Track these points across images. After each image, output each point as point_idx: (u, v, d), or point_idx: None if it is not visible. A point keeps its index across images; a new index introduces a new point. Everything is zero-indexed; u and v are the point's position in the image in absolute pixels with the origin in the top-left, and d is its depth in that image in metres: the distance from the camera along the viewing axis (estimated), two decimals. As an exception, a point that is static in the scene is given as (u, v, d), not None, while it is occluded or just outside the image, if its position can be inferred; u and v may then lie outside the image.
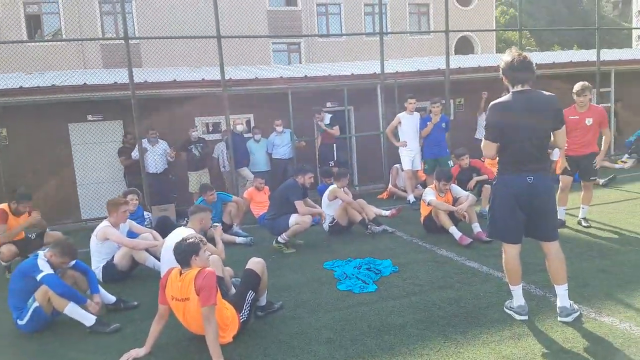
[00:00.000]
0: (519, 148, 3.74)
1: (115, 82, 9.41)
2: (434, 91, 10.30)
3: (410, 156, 9.09)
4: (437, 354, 3.48)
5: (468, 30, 25.67)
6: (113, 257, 5.60)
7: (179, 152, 9.72)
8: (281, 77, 10.65)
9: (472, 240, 6.00)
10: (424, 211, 6.74)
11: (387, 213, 7.94)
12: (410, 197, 9.05)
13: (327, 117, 10.07)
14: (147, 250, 5.64)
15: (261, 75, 10.82)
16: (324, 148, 10.38)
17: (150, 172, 9.35)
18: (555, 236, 3.90)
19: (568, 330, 3.66)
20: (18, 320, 4.31)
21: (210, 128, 11.16)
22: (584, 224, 6.49)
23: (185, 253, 3.76)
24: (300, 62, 23.77)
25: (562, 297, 3.88)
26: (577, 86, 6.23)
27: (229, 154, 9.77)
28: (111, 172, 10.05)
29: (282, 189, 6.58)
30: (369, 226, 6.95)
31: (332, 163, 9.96)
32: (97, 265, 5.54)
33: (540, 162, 3.81)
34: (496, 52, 27.22)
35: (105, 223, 5.65)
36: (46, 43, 17.04)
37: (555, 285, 3.91)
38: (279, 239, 6.37)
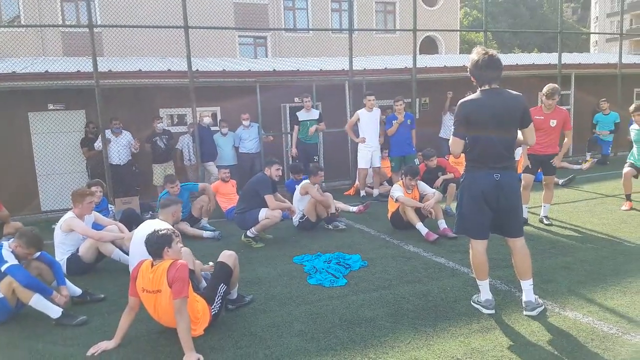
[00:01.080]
0: (486, 145, 3.84)
1: (78, 71, 9.14)
2: (401, 90, 10.47)
3: (368, 153, 9.14)
4: (407, 346, 3.56)
5: (435, 30, 26.17)
6: (78, 249, 5.45)
7: (143, 144, 9.52)
8: (249, 70, 10.58)
9: (438, 236, 6.15)
10: (391, 207, 6.85)
11: (355, 209, 8.05)
12: (375, 192, 9.21)
13: (316, 113, 9.96)
14: (113, 242, 5.52)
15: (229, 67, 10.72)
16: (304, 145, 9.98)
17: (114, 163, 9.15)
18: (521, 232, 4.04)
19: (534, 324, 3.81)
20: None
21: (175, 120, 11.00)
22: (545, 222, 6.74)
23: (157, 245, 3.71)
24: (267, 56, 23.66)
25: (527, 291, 4.02)
26: (547, 88, 6.47)
27: (195, 147, 9.66)
28: (73, 163, 9.76)
29: (252, 183, 6.55)
30: (330, 222, 7.05)
31: (316, 158, 10.00)
32: (61, 257, 5.38)
33: (507, 160, 3.93)
34: (460, 53, 27.87)
35: (69, 214, 5.50)
36: (3, 29, 16.29)
37: (520, 280, 4.05)
38: (248, 233, 6.36)
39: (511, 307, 4.12)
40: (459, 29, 29.83)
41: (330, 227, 7.05)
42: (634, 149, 7.44)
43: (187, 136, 10.08)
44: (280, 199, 6.69)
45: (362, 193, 9.16)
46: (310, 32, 24.72)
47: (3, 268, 4.06)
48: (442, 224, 6.40)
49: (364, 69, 11.23)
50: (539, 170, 6.76)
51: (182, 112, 10.86)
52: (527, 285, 4.02)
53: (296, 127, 9.85)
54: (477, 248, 4.01)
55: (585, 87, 13.36)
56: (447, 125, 11.24)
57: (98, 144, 9.06)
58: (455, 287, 4.64)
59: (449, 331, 3.76)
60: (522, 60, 13.87)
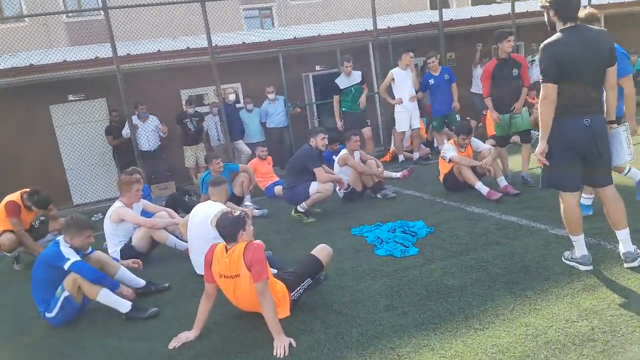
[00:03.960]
0: (577, 89, 3.49)
1: (97, 57, 8.80)
2: (428, 46, 10.02)
3: (406, 115, 8.75)
4: (512, 312, 3.27)
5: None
6: (130, 239, 5.22)
7: (173, 126, 9.22)
8: (269, 40, 10.16)
9: (501, 194, 5.82)
10: (444, 169, 6.51)
11: (399, 174, 7.73)
12: (415, 155, 8.88)
13: (358, 75, 9.03)
14: (165, 229, 5.29)
15: (248, 39, 10.29)
16: (351, 116, 9.00)
17: (144, 149, 8.89)
18: (611, 180, 3.71)
19: (639, 276, 3.51)
20: (46, 313, 3.95)
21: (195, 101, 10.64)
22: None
23: (232, 227, 3.44)
24: (274, 27, 23.03)
25: (624, 241, 3.70)
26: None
27: (223, 127, 9.35)
28: (99, 153, 9.56)
29: (299, 156, 6.23)
30: (377, 191, 6.75)
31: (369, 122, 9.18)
32: (114, 249, 5.18)
33: (597, 103, 3.58)
34: (471, 5, 26.92)
35: (118, 204, 5.26)
36: (8, 25, 15.92)
37: (616, 231, 3.72)
38: (299, 207, 6.08)
39: (608, 261, 3.81)
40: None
41: (378, 196, 6.75)
42: None
43: (210, 116, 9.73)
44: (328, 171, 6.38)
45: (401, 157, 8.84)
46: (316, -1, 24.01)
47: (66, 266, 3.83)
48: (502, 181, 6.06)
49: (388, 27, 10.74)
50: None
51: (201, 91, 10.54)
52: (623, 234, 3.69)
53: (336, 97, 8.98)
54: (570, 201, 3.68)
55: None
56: (478, 80, 10.76)
57: (126, 131, 8.78)
58: (538, 246, 4.34)
59: (551, 292, 3.47)
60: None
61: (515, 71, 6.22)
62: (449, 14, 11.94)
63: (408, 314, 3.45)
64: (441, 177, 6.59)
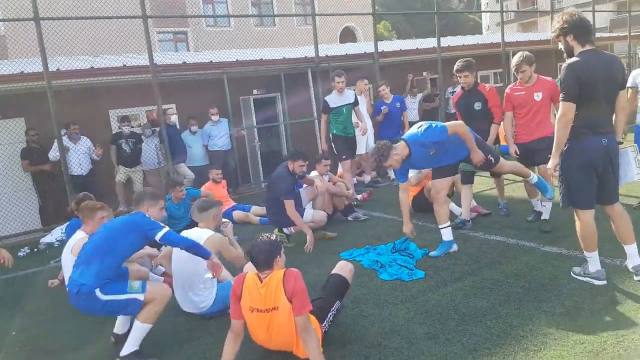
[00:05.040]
0: (596, 109, 3.63)
1: (22, 72, 7.83)
2: (362, 75, 10.17)
3: (360, 138, 8.73)
4: (560, 331, 3.23)
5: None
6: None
7: (108, 146, 8.40)
8: (211, 61, 9.73)
9: (476, 214, 5.94)
10: (412, 191, 6.50)
11: (359, 197, 7.64)
12: (367, 177, 8.88)
13: (351, 95, 7.99)
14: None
15: (188, 60, 9.79)
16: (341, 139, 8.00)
17: (75, 174, 7.98)
18: (618, 197, 3.88)
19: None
20: (97, 290, 3.41)
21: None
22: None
23: (269, 252, 3.08)
24: (189, 51, 22.40)
25: (633, 255, 3.87)
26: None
27: (163, 149, 8.72)
28: (17, 179, 8.40)
29: (275, 183, 5.82)
30: (348, 213, 6.61)
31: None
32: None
33: (611, 124, 3.76)
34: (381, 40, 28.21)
35: (80, 234, 4.53)
36: None
37: (625, 245, 3.88)
38: (285, 229, 5.72)
39: (618, 276, 3.95)
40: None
41: (349, 218, 6.59)
42: None
43: (144, 138, 9.00)
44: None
45: (354, 181, 8.76)
46: (232, 24, 23.84)
47: (159, 235, 3.58)
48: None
49: (326, 55, 10.78)
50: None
51: (134, 111, 9.79)
52: (632, 249, 3.87)
53: (324, 116, 7.78)
54: (587, 219, 3.79)
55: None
56: (410, 108, 11.08)
57: (54, 154, 7.84)
58: (540, 263, 4.41)
59: (583, 308, 3.50)
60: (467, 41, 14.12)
61: (477, 104, 5.60)
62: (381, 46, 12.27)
63: (453, 341, 3.29)
64: (409, 199, 6.56)
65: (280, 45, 17.15)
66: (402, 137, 4.57)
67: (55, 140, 7.74)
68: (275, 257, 3.09)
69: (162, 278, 4.82)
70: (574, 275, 4.03)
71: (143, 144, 8.87)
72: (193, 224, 6.41)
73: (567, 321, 3.35)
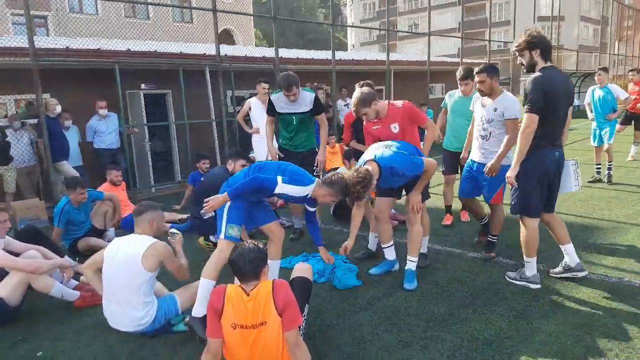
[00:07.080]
0: (554, 122, 3.89)
1: None
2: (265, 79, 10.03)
3: (263, 144, 8.52)
4: (519, 333, 3.42)
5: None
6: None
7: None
8: (99, 48, 8.76)
9: (397, 222, 6.09)
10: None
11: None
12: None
13: (308, 100, 5.86)
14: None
15: (72, 45, 8.70)
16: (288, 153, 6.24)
17: None
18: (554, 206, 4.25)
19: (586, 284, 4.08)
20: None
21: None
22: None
23: (257, 261, 2.79)
24: (48, 37, 20.08)
25: (572, 254, 4.27)
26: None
27: (42, 144, 7.63)
28: None
29: (213, 180, 5.32)
30: None
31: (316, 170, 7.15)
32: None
33: (562, 137, 4.08)
34: (255, 46, 28.20)
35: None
36: None
37: (563, 246, 4.26)
38: (212, 237, 5.28)
39: (548, 279, 4.30)
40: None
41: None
42: None
43: (11, 131, 7.78)
44: None
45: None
46: (99, 13, 22.02)
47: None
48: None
49: (225, 54, 10.38)
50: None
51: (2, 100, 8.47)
52: (570, 248, 4.26)
53: (269, 118, 5.90)
54: (533, 226, 4.08)
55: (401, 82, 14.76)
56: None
57: None
58: (474, 269, 4.65)
59: (532, 311, 3.75)
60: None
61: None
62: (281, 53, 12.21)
63: (428, 347, 3.30)
64: (331, 208, 6.56)
65: (149, 39, 16.00)
66: (375, 159, 4.10)
67: None
68: (263, 266, 2.82)
69: (77, 292, 4.18)
70: (509, 280, 4.31)
71: (8, 138, 7.63)
72: (94, 231, 5.75)
73: (524, 323, 3.56)
